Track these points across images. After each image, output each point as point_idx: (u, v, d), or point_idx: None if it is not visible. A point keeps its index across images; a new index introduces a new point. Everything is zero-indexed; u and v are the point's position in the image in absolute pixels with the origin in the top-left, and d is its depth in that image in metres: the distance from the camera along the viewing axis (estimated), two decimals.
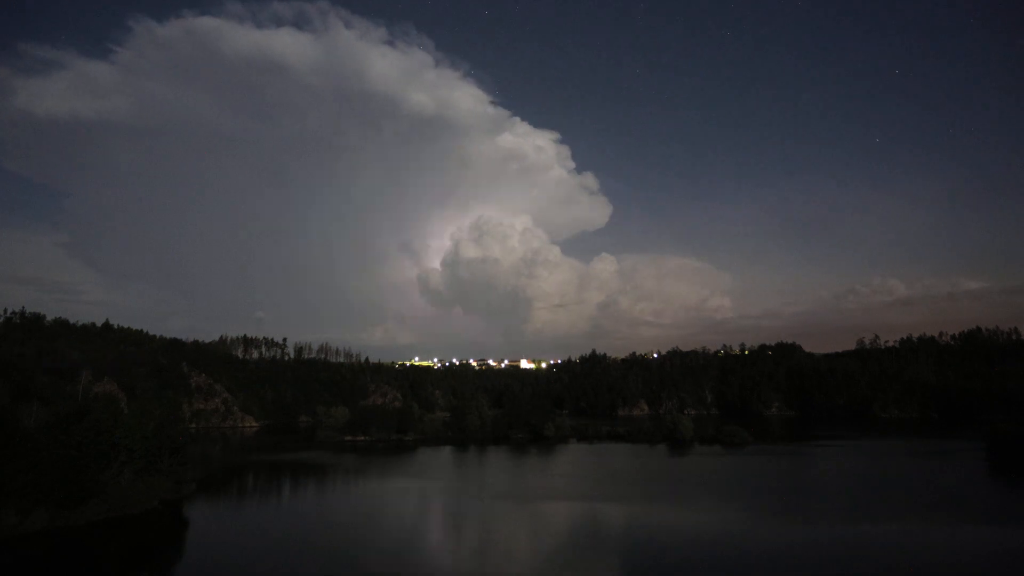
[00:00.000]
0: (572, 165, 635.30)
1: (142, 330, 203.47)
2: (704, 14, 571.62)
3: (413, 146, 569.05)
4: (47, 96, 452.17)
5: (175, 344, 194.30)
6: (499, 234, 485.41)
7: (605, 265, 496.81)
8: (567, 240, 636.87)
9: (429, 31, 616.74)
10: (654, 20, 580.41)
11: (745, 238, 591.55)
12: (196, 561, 46.89)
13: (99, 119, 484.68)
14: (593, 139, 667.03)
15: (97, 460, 56.96)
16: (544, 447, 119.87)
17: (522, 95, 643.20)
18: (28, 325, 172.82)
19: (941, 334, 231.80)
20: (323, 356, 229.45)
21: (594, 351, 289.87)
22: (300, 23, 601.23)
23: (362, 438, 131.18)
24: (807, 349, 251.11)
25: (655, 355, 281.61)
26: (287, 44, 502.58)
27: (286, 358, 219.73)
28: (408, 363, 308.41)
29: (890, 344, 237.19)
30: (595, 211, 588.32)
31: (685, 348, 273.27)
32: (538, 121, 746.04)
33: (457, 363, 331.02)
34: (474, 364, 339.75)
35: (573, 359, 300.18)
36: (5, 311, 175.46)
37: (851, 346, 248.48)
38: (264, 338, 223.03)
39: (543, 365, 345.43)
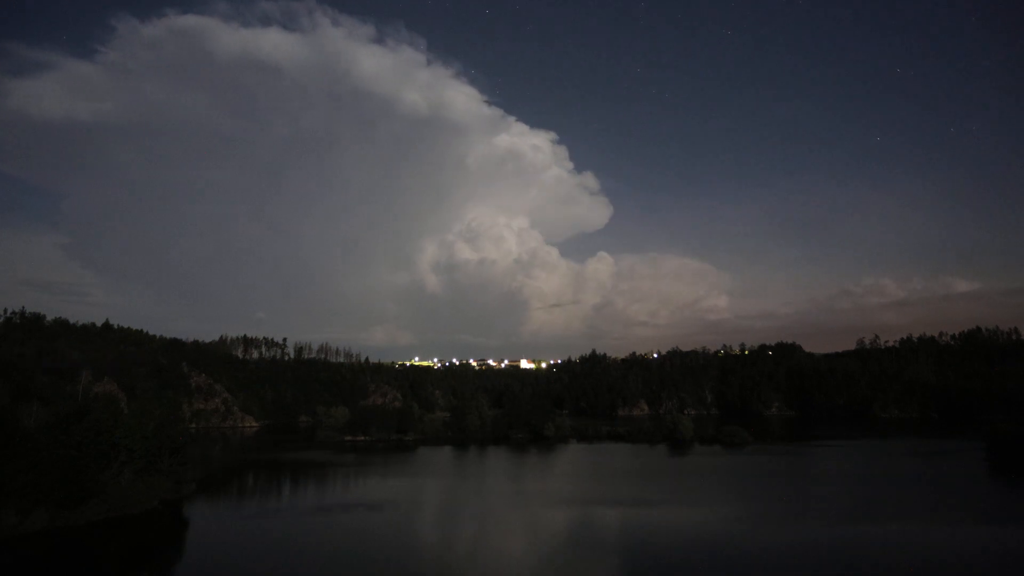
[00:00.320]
0: (570, 165, 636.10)
1: (142, 330, 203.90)
2: (704, 13, 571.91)
3: (408, 146, 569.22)
4: (39, 97, 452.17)
5: (175, 344, 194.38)
6: (495, 235, 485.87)
7: (602, 265, 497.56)
8: (566, 240, 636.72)
9: (421, 30, 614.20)
10: (653, 20, 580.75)
11: (744, 238, 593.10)
12: (196, 561, 46.88)
13: (93, 120, 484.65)
14: (592, 139, 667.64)
15: (97, 460, 56.96)
16: (544, 447, 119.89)
17: (519, 95, 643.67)
18: (28, 325, 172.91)
19: (941, 334, 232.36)
20: (323, 356, 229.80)
21: (594, 351, 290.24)
22: (287, 22, 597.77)
23: (362, 438, 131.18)
24: (807, 349, 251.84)
25: (655, 355, 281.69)
26: (276, 44, 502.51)
27: (286, 358, 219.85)
28: (408, 363, 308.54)
29: (890, 344, 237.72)
30: (594, 211, 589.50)
31: (685, 348, 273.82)
32: (535, 121, 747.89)
33: (457, 363, 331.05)
34: (474, 364, 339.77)
35: (573, 359, 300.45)
36: (5, 311, 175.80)
37: (851, 346, 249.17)
38: (264, 338, 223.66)
39: (543, 365, 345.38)
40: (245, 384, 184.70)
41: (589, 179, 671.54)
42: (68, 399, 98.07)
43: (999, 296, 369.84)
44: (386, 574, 42.85)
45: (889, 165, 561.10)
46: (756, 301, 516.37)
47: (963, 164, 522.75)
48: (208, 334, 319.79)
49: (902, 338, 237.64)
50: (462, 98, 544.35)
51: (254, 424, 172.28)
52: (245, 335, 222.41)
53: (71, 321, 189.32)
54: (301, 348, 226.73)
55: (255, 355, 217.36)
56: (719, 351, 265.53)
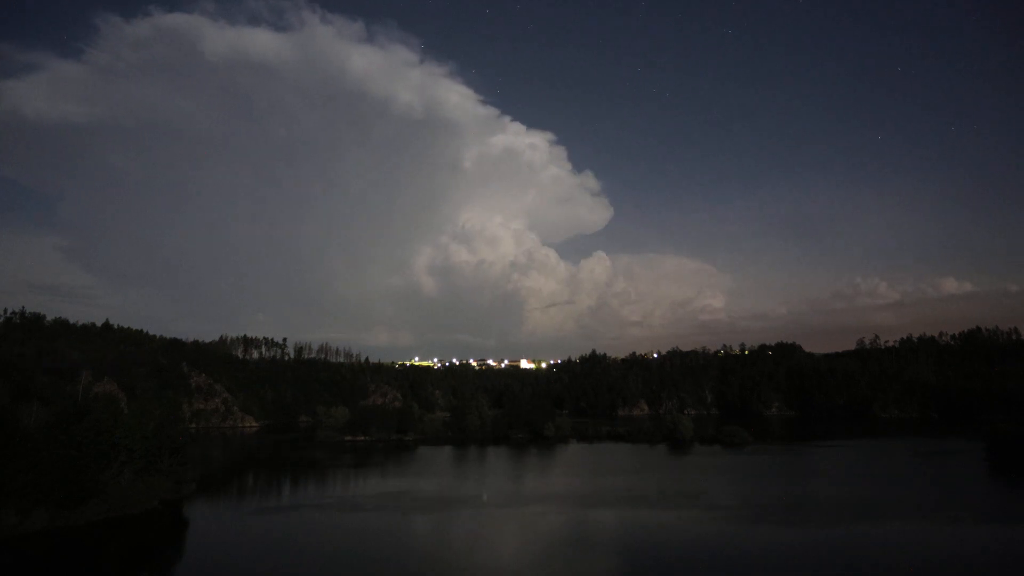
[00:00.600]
0: (569, 166, 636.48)
1: (142, 330, 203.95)
2: (704, 12, 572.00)
3: (404, 147, 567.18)
4: (29, 98, 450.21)
5: (175, 344, 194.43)
6: (492, 236, 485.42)
7: (600, 265, 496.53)
8: (565, 241, 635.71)
9: (415, 29, 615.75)
10: (653, 19, 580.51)
11: (744, 238, 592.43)
12: (196, 561, 46.91)
13: (86, 122, 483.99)
14: (591, 139, 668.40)
15: (97, 460, 56.96)
16: (544, 447, 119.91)
17: (516, 96, 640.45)
18: (28, 325, 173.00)
19: (941, 334, 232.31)
20: (323, 356, 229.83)
21: (594, 351, 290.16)
22: (275, 20, 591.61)
23: (362, 438, 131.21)
24: (807, 349, 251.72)
25: (655, 355, 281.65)
26: (265, 43, 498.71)
27: (286, 358, 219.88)
28: (408, 363, 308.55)
29: (890, 344, 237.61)
30: (592, 212, 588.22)
31: (684, 348, 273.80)
32: (533, 121, 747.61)
33: (457, 363, 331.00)
34: (474, 364, 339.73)
35: (573, 359, 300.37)
36: (5, 311, 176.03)
37: (851, 346, 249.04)
38: (264, 338, 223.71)
39: (543, 365, 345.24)
40: (245, 384, 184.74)
41: (589, 179, 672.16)
42: (68, 399, 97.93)
43: (999, 297, 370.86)
44: (386, 574, 42.88)
45: (889, 165, 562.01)
46: (755, 301, 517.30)
47: (964, 164, 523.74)
48: (208, 334, 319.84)
49: (902, 338, 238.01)
50: (458, 98, 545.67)
51: (254, 424, 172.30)
52: (245, 335, 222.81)
53: (71, 321, 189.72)
54: (301, 348, 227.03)
55: (255, 355, 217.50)
56: (719, 351, 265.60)
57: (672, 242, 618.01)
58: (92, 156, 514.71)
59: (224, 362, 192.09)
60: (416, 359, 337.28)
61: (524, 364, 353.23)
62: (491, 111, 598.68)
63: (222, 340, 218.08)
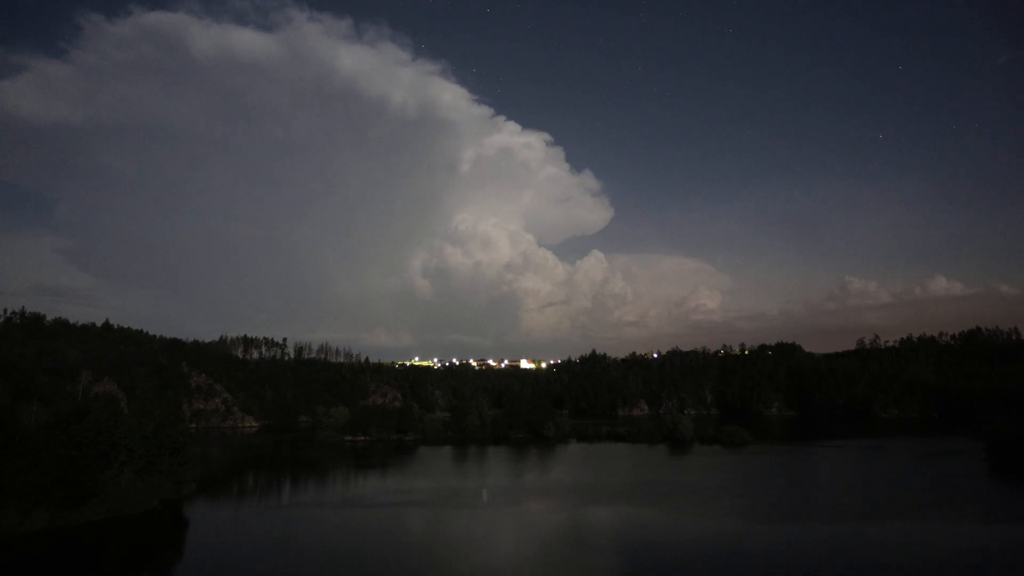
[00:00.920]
0: (567, 166, 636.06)
1: (142, 330, 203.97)
2: (705, 11, 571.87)
3: (399, 148, 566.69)
4: (20, 99, 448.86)
5: (175, 344, 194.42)
6: (489, 237, 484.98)
7: (598, 265, 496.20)
8: (564, 241, 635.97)
9: (406, 28, 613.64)
10: (651, 18, 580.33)
11: (743, 238, 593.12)
12: (196, 561, 46.90)
13: (80, 122, 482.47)
14: (590, 139, 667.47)
15: (97, 460, 56.94)
16: (544, 447, 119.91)
17: (514, 96, 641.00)
18: (28, 325, 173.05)
19: (941, 334, 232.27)
20: (323, 356, 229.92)
21: (594, 351, 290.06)
22: (260, 19, 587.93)
23: (362, 438, 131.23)
24: (807, 349, 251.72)
25: (655, 355, 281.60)
26: (253, 42, 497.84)
27: (286, 358, 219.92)
28: (408, 363, 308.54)
29: (890, 344, 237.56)
30: (592, 212, 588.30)
31: (684, 348, 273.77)
32: (530, 122, 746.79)
33: (457, 363, 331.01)
34: (474, 364, 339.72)
35: (573, 359, 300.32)
36: (5, 311, 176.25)
37: (851, 346, 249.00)
38: (264, 338, 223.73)
39: (543, 365, 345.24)
40: (245, 384, 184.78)
41: (588, 180, 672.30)
42: (68, 399, 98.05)
43: (990, 297, 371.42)
44: (386, 573, 42.89)
45: (889, 165, 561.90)
46: (754, 301, 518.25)
47: (963, 164, 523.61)
48: (208, 334, 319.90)
49: (902, 338, 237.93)
50: (454, 98, 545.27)
51: (254, 424, 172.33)
52: (245, 335, 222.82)
53: (71, 321, 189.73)
54: (301, 348, 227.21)
55: (255, 355, 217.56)
56: (719, 351, 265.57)
57: (672, 242, 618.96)
58: (88, 157, 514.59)
59: (224, 362, 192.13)
60: (416, 359, 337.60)
61: (524, 364, 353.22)
62: (491, 113, 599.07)
63: (222, 340, 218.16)
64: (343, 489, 78.53)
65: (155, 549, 50.09)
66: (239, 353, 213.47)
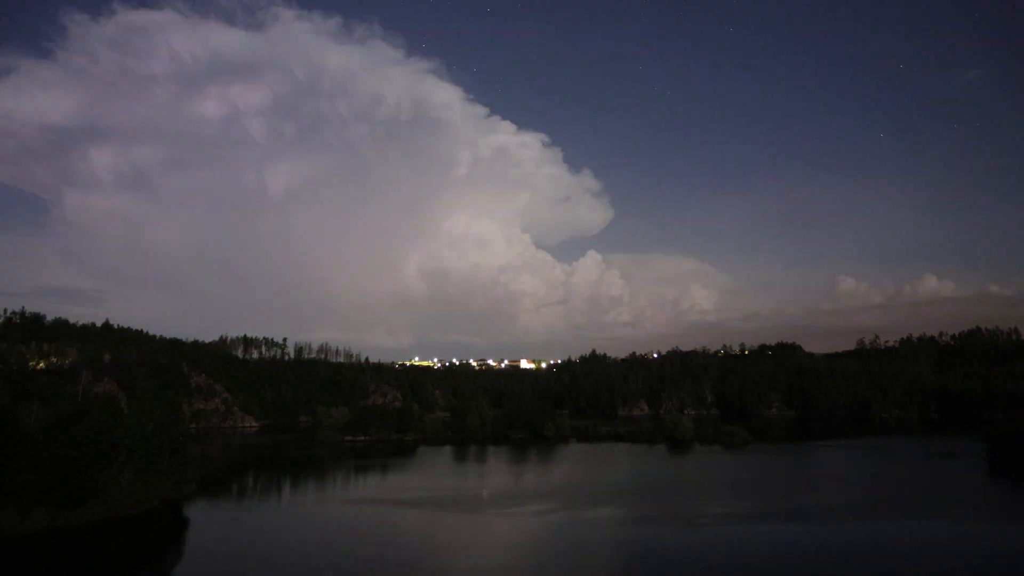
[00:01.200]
0: (564, 167, 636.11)
1: (142, 330, 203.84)
2: (703, 11, 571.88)
3: (394, 148, 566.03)
4: (13, 100, 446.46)
5: (175, 344, 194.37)
6: (486, 238, 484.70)
7: (594, 265, 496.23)
8: (561, 241, 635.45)
9: (402, 27, 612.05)
10: (650, 17, 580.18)
11: (743, 237, 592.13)
12: (196, 561, 46.90)
13: (75, 123, 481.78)
14: (587, 140, 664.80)
15: (97, 460, 56.92)
16: (544, 447, 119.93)
17: (510, 97, 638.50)
18: (28, 325, 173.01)
19: (941, 334, 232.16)
20: (323, 356, 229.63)
21: (594, 351, 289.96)
22: (246, 17, 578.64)
23: (362, 438, 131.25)
24: (807, 349, 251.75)
25: (655, 355, 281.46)
26: (240, 41, 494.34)
27: (286, 358, 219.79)
28: (408, 363, 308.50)
29: (890, 344, 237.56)
30: (591, 212, 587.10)
31: (684, 348, 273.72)
32: (527, 123, 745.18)
33: (457, 363, 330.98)
34: (474, 364, 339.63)
35: (573, 359, 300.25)
36: (5, 311, 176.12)
37: (851, 346, 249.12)
38: (264, 338, 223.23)
39: (543, 365, 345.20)
40: (245, 384, 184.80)
41: (588, 180, 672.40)
42: (68, 399, 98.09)
43: (997, 299, 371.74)
44: (385, 573, 42.89)
45: (889, 164, 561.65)
46: (753, 301, 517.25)
47: (964, 164, 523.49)
48: (208, 334, 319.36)
49: (902, 338, 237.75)
50: (448, 97, 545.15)
51: (254, 424, 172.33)
52: (245, 335, 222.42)
53: (71, 321, 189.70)
54: (301, 348, 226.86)
55: (255, 355, 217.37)
56: (719, 351, 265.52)
57: (671, 242, 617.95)
58: (85, 158, 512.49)
59: (224, 362, 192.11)
60: (416, 359, 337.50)
61: (524, 364, 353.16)
62: (482, 111, 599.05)
63: (222, 340, 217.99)
64: (343, 489, 78.53)
65: (155, 549, 50.08)
66: (239, 353, 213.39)
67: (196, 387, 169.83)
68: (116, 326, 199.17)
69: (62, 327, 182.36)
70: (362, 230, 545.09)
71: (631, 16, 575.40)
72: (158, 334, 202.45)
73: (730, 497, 67.24)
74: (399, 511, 63.40)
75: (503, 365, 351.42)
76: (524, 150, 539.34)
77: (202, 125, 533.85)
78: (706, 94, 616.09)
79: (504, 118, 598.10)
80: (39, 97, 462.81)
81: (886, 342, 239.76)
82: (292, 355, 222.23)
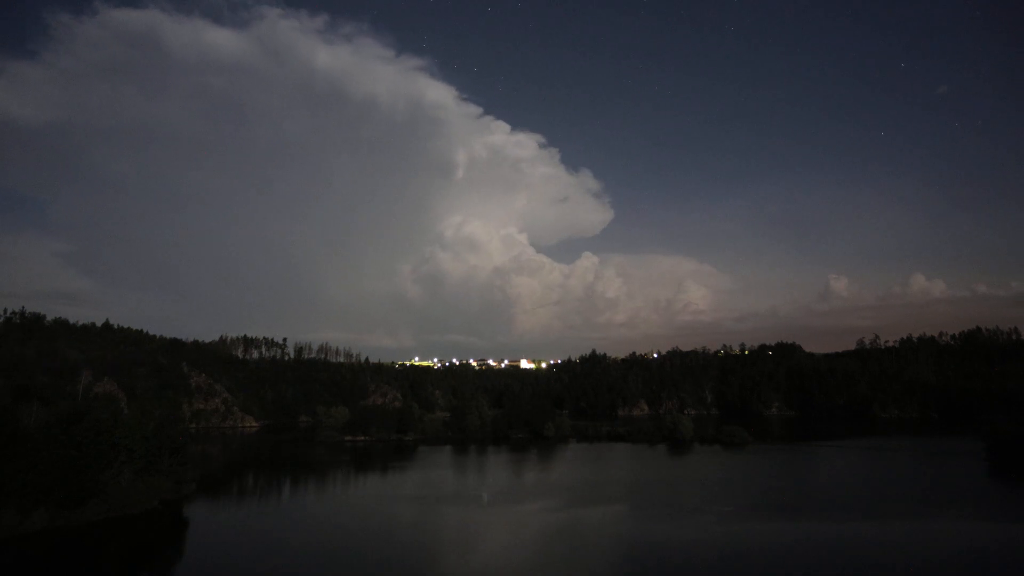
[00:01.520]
0: (562, 167, 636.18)
1: (142, 330, 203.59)
2: (703, 10, 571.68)
3: (389, 149, 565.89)
4: (4, 102, 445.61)
5: (175, 344, 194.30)
6: (484, 238, 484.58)
7: (591, 265, 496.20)
8: (560, 241, 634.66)
9: (392, 26, 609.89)
10: (648, 17, 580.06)
11: (741, 238, 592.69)
12: (196, 561, 46.89)
13: (67, 124, 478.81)
14: (587, 140, 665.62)
15: (97, 460, 56.95)
16: (544, 447, 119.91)
17: (511, 97, 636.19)
18: (28, 325, 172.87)
19: (941, 334, 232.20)
20: (323, 356, 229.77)
21: (594, 351, 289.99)
22: (231, 15, 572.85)
23: (362, 438, 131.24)
24: (807, 349, 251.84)
25: (655, 355, 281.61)
26: (228, 39, 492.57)
27: (286, 358, 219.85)
28: (408, 363, 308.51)
29: (890, 344, 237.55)
30: (591, 212, 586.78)
31: (684, 348, 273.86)
32: (524, 123, 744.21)
33: (457, 363, 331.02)
34: (474, 364, 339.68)
35: (573, 359, 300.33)
36: (5, 311, 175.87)
37: (851, 346, 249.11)
38: (264, 338, 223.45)
39: (543, 365, 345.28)
40: (245, 384, 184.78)
41: (587, 180, 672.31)
42: (68, 399, 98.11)
43: (990, 298, 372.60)
44: (385, 573, 42.88)
45: (890, 165, 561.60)
46: (752, 301, 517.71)
47: (965, 164, 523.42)
48: (208, 334, 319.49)
49: (902, 338, 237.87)
50: (441, 96, 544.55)
51: (254, 424, 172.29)
52: (245, 335, 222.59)
53: (71, 321, 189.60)
54: (301, 348, 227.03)
55: (255, 355, 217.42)
56: (719, 351, 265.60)
57: (670, 242, 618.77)
58: (80, 159, 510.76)
59: (224, 362, 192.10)
60: (416, 359, 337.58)
61: (524, 364, 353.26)
62: (485, 115, 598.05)
63: (222, 340, 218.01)
64: (343, 489, 78.53)
65: (155, 549, 50.09)
66: (239, 353, 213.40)
67: (196, 387, 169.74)
68: (116, 326, 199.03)
69: (62, 327, 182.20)
70: (362, 232, 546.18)
71: (630, 16, 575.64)
72: (158, 334, 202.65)
73: (730, 497, 67.19)
74: (399, 511, 63.40)
75: (503, 365, 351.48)
76: (519, 150, 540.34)
77: (197, 125, 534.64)
78: (706, 94, 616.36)
79: (498, 118, 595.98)
80: (26, 98, 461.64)
81: (886, 342, 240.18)
82: (292, 355, 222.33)
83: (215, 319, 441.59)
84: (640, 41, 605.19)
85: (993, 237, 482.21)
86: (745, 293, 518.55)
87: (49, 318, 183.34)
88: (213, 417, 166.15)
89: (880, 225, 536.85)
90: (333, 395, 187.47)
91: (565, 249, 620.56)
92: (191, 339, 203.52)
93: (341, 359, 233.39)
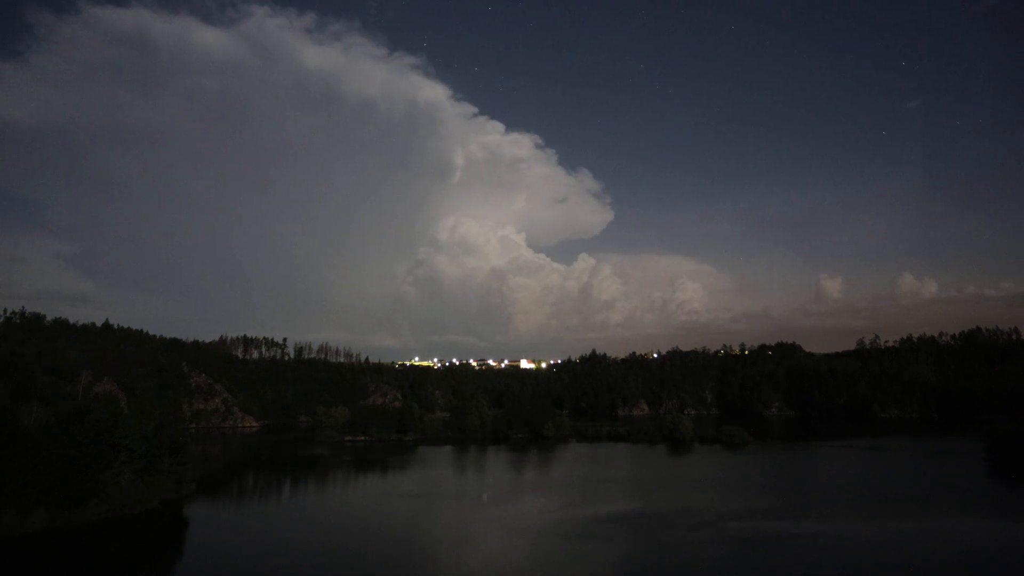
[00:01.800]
0: (560, 168, 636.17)
1: (142, 330, 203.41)
2: (703, 10, 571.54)
3: (391, 150, 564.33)
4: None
5: (175, 344, 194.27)
6: (480, 240, 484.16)
7: (589, 266, 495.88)
8: (559, 242, 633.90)
9: (386, 25, 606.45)
10: (648, 18, 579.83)
11: (741, 238, 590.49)
12: (196, 561, 46.91)
13: (60, 125, 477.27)
14: (586, 140, 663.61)
15: (97, 460, 56.97)
16: (544, 447, 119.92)
17: (510, 97, 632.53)
18: (28, 325, 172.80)
19: (941, 334, 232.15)
20: (323, 356, 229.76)
21: (594, 351, 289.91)
22: (217, 14, 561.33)
23: (362, 438, 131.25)
24: (807, 349, 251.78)
25: (655, 355, 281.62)
26: (218, 40, 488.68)
27: (286, 358, 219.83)
28: (408, 363, 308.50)
29: (890, 344, 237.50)
30: (591, 213, 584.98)
31: (684, 348, 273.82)
32: (522, 124, 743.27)
33: (457, 363, 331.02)
34: (474, 364, 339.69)
35: (573, 359, 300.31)
36: (5, 311, 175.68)
37: (851, 346, 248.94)
38: (264, 338, 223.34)
39: (543, 365, 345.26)
40: (245, 384, 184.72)
41: (587, 180, 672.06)
42: (68, 399, 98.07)
43: (984, 299, 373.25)
44: (385, 573, 42.88)
45: (890, 165, 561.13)
46: (751, 301, 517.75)
47: (965, 164, 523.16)
48: (208, 334, 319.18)
49: (902, 338, 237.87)
50: (440, 97, 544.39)
51: (254, 424, 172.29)
52: (245, 335, 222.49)
53: (71, 321, 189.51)
54: (301, 348, 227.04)
55: (255, 355, 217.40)
56: (719, 351, 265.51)
57: (669, 242, 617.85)
58: (77, 160, 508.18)
59: (224, 362, 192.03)
60: (416, 359, 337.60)
61: (524, 364, 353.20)
62: (483, 117, 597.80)
63: (222, 340, 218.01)
64: (343, 489, 78.54)
65: (155, 549, 50.11)
66: (239, 353, 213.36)
67: (196, 387, 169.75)
68: (116, 326, 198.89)
69: (62, 327, 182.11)
70: (360, 233, 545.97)
71: (629, 17, 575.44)
72: (158, 334, 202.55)
73: (730, 496, 67.18)
74: (399, 510, 63.40)
75: (503, 365, 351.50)
76: (516, 150, 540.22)
77: (198, 127, 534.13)
78: (705, 95, 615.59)
79: (492, 118, 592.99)
80: (14, 99, 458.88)
81: (886, 342, 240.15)
82: (292, 355, 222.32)
83: (215, 319, 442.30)
84: (639, 42, 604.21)
85: (993, 237, 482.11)
86: (744, 293, 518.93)
87: (49, 318, 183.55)
88: (213, 417, 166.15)
89: (878, 226, 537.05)
90: (333, 395, 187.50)
91: (565, 249, 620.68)
92: (191, 339, 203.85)
93: (341, 359, 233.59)
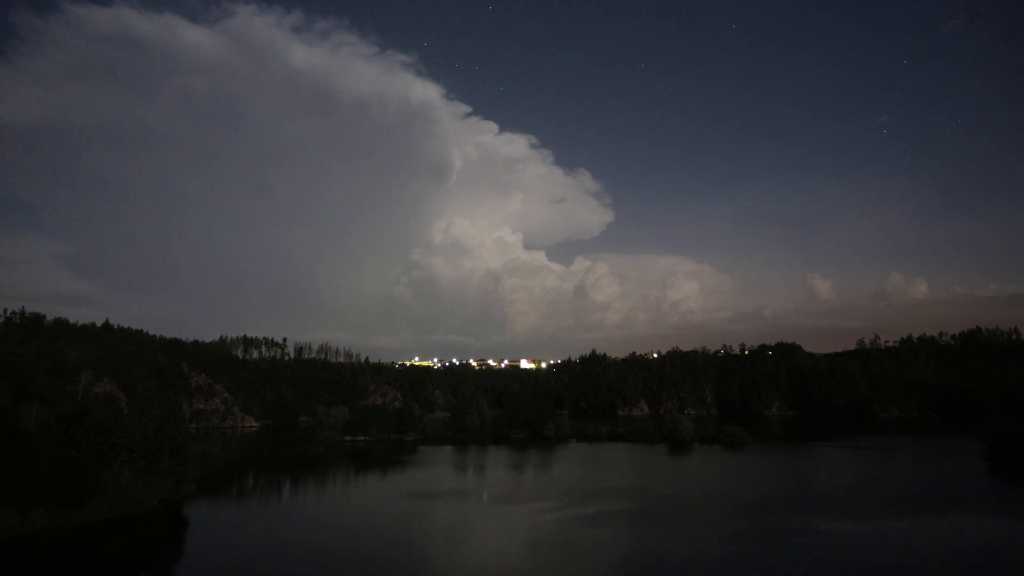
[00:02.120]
0: (558, 168, 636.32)
1: (142, 330, 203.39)
2: (702, 10, 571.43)
3: (385, 151, 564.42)
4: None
5: (175, 344, 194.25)
6: (478, 240, 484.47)
7: (588, 266, 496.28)
8: (557, 242, 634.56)
9: (377, 24, 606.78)
10: (648, 18, 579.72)
11: (740, 238, 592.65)
12: (196, 561, 46.89)
13: (53, 125, 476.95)
14: (585, 141, 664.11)
15: (97, 460, 56.95)
16: (544, 447, 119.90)
17: (509, 98, 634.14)
18: (28, 325, 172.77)
19: (941, 334, 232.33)
20: (323, 356, 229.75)
21: (594, 351, 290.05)
22: (202, 12, 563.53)
23: (362, 438, 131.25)
24: (807, 349, 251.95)
25: (655, 355, 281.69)
26: (208, 39, 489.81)
27: (286, 358, 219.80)
28: (408, 363, 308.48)
29: (890, 344, 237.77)
30: (590, 213, 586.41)
31: (684, 348, 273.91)
32: (513, 124, 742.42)
33: (457, 363, 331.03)
34: (474, 364, 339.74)
35: (573, 359, 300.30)
36: (5, 311, 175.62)
37: (851, 346, 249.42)
38: (264, 338, 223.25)
39: (543, 365, 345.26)
40: (245, 384, 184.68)
41: (586, 181, 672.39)
42: (68, 399, 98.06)
43: (987, 299, 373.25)
44: (385, 572, 42.88)
45: (890, 164, 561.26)
46: (752, 301, 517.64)
47: (964, 164, 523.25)
48: (208, 334, 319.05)
49: (902, 338, 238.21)
50: (433, 97, 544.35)
51: (254, 424, 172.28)
52: (245, 335, 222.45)
53: (71, 321, 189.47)
54: (301, 348, 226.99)
55: (255, 355, 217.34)
56: (719, 351, 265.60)
57: (667, 242, 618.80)
58: (74, 161, 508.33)
59: (224, 362, 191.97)
60: (416, 359, 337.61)
61: (524, 364, 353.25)
62: (480, 117, 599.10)
63: (222, 340, 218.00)
64: (343, 489, 78.54)
65: (155, 549, 50.10)
66: (239, 353, 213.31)
67: (196, 387, 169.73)
68: (116, 326, 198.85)
69: (62, 327, 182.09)
70: (358, 233, 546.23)
71: (628, 17, 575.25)
72: (158, 334, 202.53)
73: (730, 496, 67.18)
74: (399, 510, 63.38)
75: (503, 365, 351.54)
76: (510, 151, 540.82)
77: (192, 127, 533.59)
78: (704, 95, 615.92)
79: (486, 118, 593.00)
80: (3, 100, 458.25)
81: (886, 342, 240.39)
82: (292, 355, 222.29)
83: (215, 319, 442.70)
84: (638, 41, 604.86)
85: (992, 238, 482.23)
86: (743, 293, 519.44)
87: (49, 318, 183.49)
88: (213, 417, 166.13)
89: (875, 226, 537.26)
90: (333, 395, 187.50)
91: (565, 250, 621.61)
92: (191, 339, 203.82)
93: (341, 359, 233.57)
